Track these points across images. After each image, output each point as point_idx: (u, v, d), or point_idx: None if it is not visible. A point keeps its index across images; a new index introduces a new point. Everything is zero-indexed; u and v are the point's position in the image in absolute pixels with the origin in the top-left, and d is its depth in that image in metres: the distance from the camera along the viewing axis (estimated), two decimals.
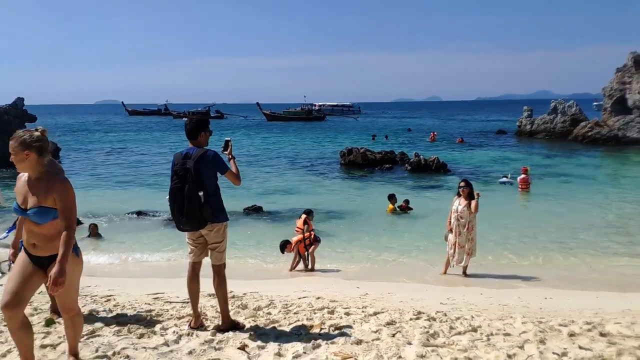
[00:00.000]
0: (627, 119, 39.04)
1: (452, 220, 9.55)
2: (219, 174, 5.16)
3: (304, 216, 13.13)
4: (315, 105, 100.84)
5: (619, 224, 13.89)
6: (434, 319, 5.77)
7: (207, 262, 5.36)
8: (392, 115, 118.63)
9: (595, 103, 45.51)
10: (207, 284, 5.51)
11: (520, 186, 19.70)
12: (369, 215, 15.57)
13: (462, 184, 9.62)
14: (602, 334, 5.20)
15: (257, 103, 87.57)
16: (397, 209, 15.66)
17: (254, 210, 15.86)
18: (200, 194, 4.87)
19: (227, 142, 5.48)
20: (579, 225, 13.74)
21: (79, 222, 14.26)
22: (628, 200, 17.53)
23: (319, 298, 6.99)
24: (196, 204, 4.88)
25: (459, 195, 9.60)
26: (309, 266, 10.19)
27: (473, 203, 9.34)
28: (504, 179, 21.56)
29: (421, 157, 25.68)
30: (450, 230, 9.60)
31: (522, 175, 19.89)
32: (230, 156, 5.41)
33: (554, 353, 4.61)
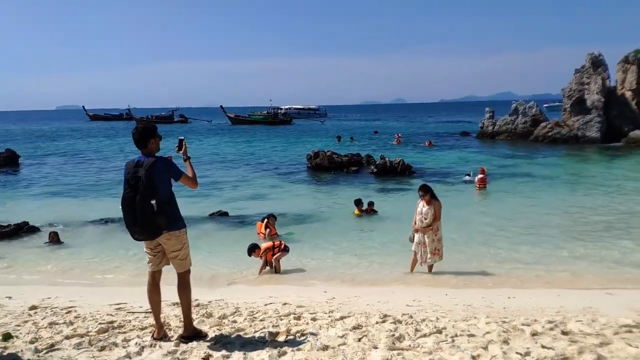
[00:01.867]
0: (587, 119, 40.16)
1: (417, 222, 9.68)
2: (173, 181, 5.07)
3: (265, 220, 13.14)
4: (281, 109, 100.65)
5: (579, 222, 14.25)
6: (400, 322, 5.80)
7: (171, 268, 5.27)
8: (358, 117, 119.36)
9: (545, 105, 46.86)
10: (171, 292, 5.42)
11: (477, 185, 20.40)
12: (336, 218, 15.60)
13: (421, 192, 9.72)
14: (564, 333, 5.30)
15: (221, 106, 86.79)
16: (363, 212, 15.73)
17: (220, 216, 15.69)
18: (153, 202, 4.77)
19: (180, 141, 5.37)
20: (539, 224, 14.04)
21: (37, 230, 13.91)
22: (587, 198, 18.00)
23: (285, 304, 6.95)
24: (149, 213, 4.78)
25: (421, 197, 9.72)
26: (275, 270, 10.18)
27: (435, 203, 9.49)
28: (467, 178, 22.26)
29: (387, 159, 25.86)
30: (416, 231, 9.71)
31: (480, 175, 20.63)
32: (185, 157, 5.32)
33: (517, 353, 4.68)
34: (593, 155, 32.37)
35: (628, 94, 40.54)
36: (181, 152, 5.33)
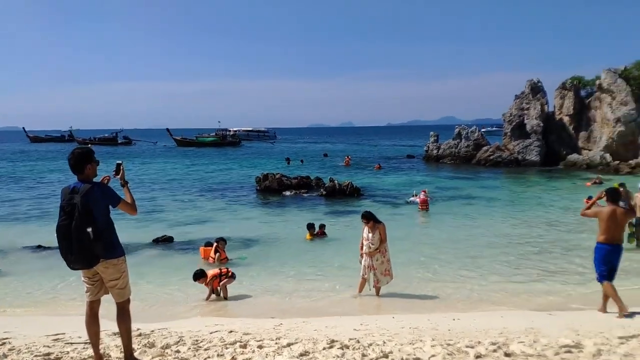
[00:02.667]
0: (526, 143, 41.78)
1: (365, 247, 9.73)
2: (111, 207, 4.92)
3: (214, 244, 12.88)
4: (229, 131, 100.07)
5: (517, 243, 14.68)
6: (347, 347, 5.77)
7: (111, 297, 5.08)
8: (308, 140, 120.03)
9: (482, 130, 48.82)
10: (111, 322, 5.21)
11: (420, 206, 21.01)
12: (285, 242, 15.50)
13: (363, 220, 9.83)
14: (506, 354, 5.40)
15: (167, 129, 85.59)
16: (315, 236, 15.72)
17: (165, 241, 15.27)
18: (89, 230, 4.60)
19: (118, 165, 5.22)
20: (479, 245, 14.41)
21: None
22: (525, 219, 18.62)
23: (231, 332, 6.80)
24: (85, 241, 4.60)
25: (365, 222, 9.81)
26: (222, 296, 9.96)
27: (379, 226, 9.58)
28: (412, 198, 22.93)
29: (336, 182, 26.07)
30: (361, 256, 9.78)
31: (422, 196, 21.38)
32: (122, 181, 5.17)
33: None
34: (533, 178, 33.64)
35: (566, 119, 42.51)
36: (118, 176, 5.18)
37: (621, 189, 15.02)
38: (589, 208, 8.42)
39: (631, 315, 7.57)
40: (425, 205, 21.00)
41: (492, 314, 8.23)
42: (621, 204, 14.21)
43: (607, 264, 7.86)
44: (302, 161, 48.22)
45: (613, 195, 8.13)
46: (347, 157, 48.53)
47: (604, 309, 7.96)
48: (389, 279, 9.81)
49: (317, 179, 28.70)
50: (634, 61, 40.21)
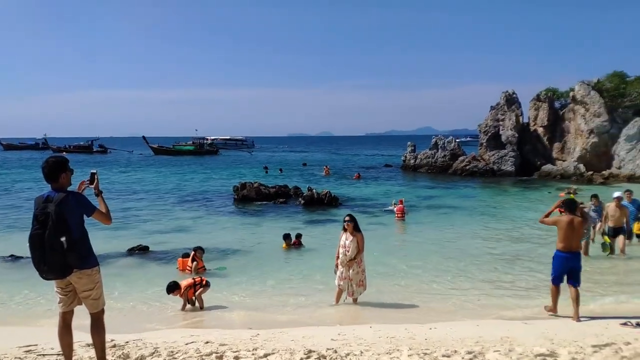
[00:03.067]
0: (502, 154, 42.39)
1: (340, 255, 9.69)
2: (85, 216, 4.86)
3: (192, 253, 12.74)
4: (207, 139, 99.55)
5: (492, 252, 14.83)
6: (324, 357, 5.75)
7: (84, 308, 4.99)
8: (286, 149, 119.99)
9: (457, 140, 49.62)
10: (85, 333, 5.12)
11: (397, 215, 21.26)
12: (262, 252, 15.41)
13: (347, 218, 9.84)
14: None
15: (143, 137, 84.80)
16: (291, 246, 15.68)
17: (140, 251, 15.05)
18: (63, 239, 4.54)
19: (92, 174, 5.17)
20: (455, 254, 14.51)
21: None
22: (500, 228, 18.85)
23: (207, 342, 6.72)
24: (58, 251, 4.54)
25: (344, 229, 9.78)
26: (198, 306, 9.84)
27: (357, 235, 9.58)
28: (391, 207, 23.11)
29: (314, 191, 26.08)
30: (337, 266, 9.75)
31: (399, 205, 21.67)
32: (97, 191, 5.11)
33: None
34: (508, 188, 34.09)
35: (540, 130, 43.27)
36: (93, 186, 5.12)
37: (593, 200, 15.35)
38: (547, 216, 8.85)
39: (605, 324, 7.69)
40: (401, 213, 21.26)
41: (468, 322, 8.28)
42: (592, 214, 14.51)
43: (563, 269, 8.44)
44: (281, 170, 48.19)
45: (570, 206, 8.68)
46: (326, 166, 48.64)
47: (576, 317, 8.24)
48: (362, 290, 9.78)
49: (295, 188, 28.70)
50: (607, 74, 41.27)
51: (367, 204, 26.32)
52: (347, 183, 37.61)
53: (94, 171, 5.20)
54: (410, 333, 7.24)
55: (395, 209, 21.85)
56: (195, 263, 12.49)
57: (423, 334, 7.12)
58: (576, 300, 8.27)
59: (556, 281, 8.60)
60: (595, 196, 15.45)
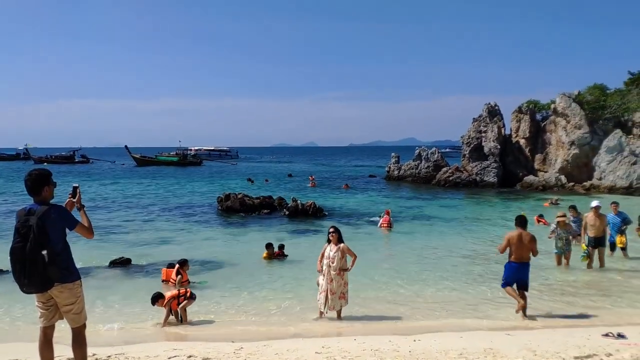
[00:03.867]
0: (484, 165, 42.79)
1: (324, 267, 9.66)
2: (67, 230, 4.81)
3: (177, 266, 12.60)
4: (190, 150, 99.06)
5: (478, 263, 14.93)
6: None
7: (65, 322, 4.91)
8: (271, 160, 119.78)
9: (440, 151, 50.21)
10: (66, 348, 5.04)
11: (382, 225, 21.50)
12: (246, 263, 15.32)
13: (331, 229, 9.84)
14: None
15: (126, 146, 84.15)
16: (273, 255, 15.62)
17: (122, 263, 14.84)
18: (44, 252, 4.49)
19: (75, 188, 5.13)
20: (441, 265, 14.60)
21: None
22: (484, 239, 18.99)
23: (190, 356, 6.65)
24: (40, 264, 4.48)
25: (329, 241, 9.77)
26: (181, 319, 9.73)
27: (342, 246, 9.58)
28: (377, 218, 23.30)
29: (298, 202, 26.05)
30: (320, 273, 9.73)
31: (385, 216, 21.86)
32: (79, 205, 5.07)
33: None
34: (490, 199, 34.37)
35: (522, 142, 43.78)
36: (75, 199, 5.07)
37: (572, 211, 15.50)
38: (502, 251, 9.80)
39: (587, 335, 7.76)
40: (387, 224, 21.40)
41: (452, 334, 8.29)
42: (573, 225, 14.63)
43: (514, 278, 9.54)
44: (266, 181, 48.05)
45: (521, 222, 9.75)
46: (311, 177, 48.66)
47: (521, 310, 9.43)
48: (344, 303, 9.72)
49: (279, 199, 28.65)
50: (588, 86, 41.99)
51: (352, 214, 26.36)
52: (332, 194, 37.64)
53: (76, 185, 5.16)
54: (395, 345, 7.23)
55: (381, 219, 22.00)
56: (180, 276, 12.37)
57: (407, 346, 7.12)
58: (523, 297, 9.48)
59: (507, 284, 9.69)
60: (573, 207, 15.60)
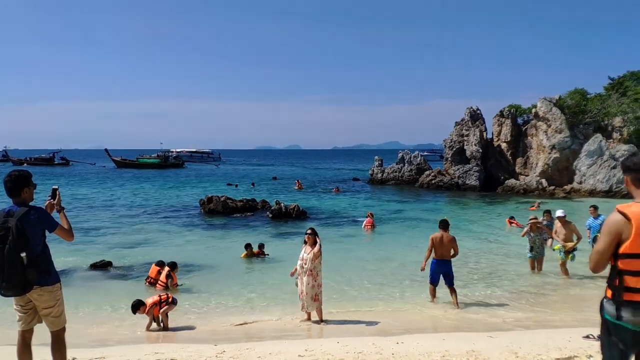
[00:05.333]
0: (466, 168, 43.10)
1: (298, 268, 9.63)
2: (47, 232, 4.73)
3: (166, 269, 12.40)
4: (172, 152, 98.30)
5: (458, 265, 14.91)
6: None
7: (44, 325, 4.83)
8: (255, 162, 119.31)
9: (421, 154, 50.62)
10: (45, 352, 4.95)
11: (366, 226, 21.98)
12: (228, 265, 15.24)
13: (309, 231, 9.81)
14: None
15: (106, 149, 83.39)
16: (252, 255, 15.62)
17: (103, 266, 14.65)
18: (23, 255, 4.41)
19: (54, 190, 5.05)
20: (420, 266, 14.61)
21: None
22: (465, 242, 19.01)
23: None
24: (18, 266, 4.40)
25: (305, 242, 9.75)
26: (163, 326, 9.58)
27: (315, 248, 9.52)
28: (360, 219, 23.99)
29: (282, 204, 26.02)
30: (293, 275, 9.69)
31: (368, 219, 22.33)
32: (58, 207, 4.99)
33: None
34: (472, 202, 34.65)
35: (503, 146, 44.20)
36: (55, 201, 4.99)
37: (546, 215, 15.51)
38: (429, 251, 10.91)
39: (568, 337, 7.82)
40: (370, 226, 21.81)
41: (434, 336, 8.32)
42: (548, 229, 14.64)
43: (437, 273, 10.77)
44: (253, 185, 47.82)
45: (443, 225, 10.99)
46: (298, 180, 48.66)
47: (456, 304, 10.64)
48: (317, 305, 9.61)
49: (263, 202, 28.60)
50: (568, 90, 42.57)
51: (335, 217, 26.40)
52: (318, 196, 37.67)
53: (56, 187, 5.08)
54: (377, 348, 7.22)
55: (364, 222, 22.38)
56: (170, 280, 12.24)
57: (390, 348, 7.11)
58: (453, 293, 10.70)
59: (432, 282, 10.94)
60: (547, 212, 15.66)
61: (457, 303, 10.64)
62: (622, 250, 3.32)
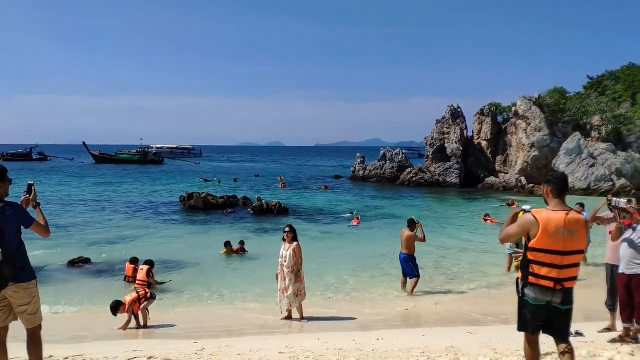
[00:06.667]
0: (447, 166, 43.43)
1: (278, 266, 9.58)
2: (23, 228, 4.63)
3: (145, 267, 12.19)
4: (152, 148, 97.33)
5: (438, 259, 15.12)
6: None
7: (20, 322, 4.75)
8: (237, 159, 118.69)
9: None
10: (21, 349, 4.87)
11: (353, 223, 22.49)
12: (208, 262, 15.15)
13: (287, 229, 9.76)
14: None
15: (84, 143, 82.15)
16: (232, 252, 15.60)
17: (81, 263, 14.48)
18: None
19: (30, 186, 4.94)
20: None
21: None
22: (445, 237, 19.26)
23: (151, 358, 6.50)
24: None
25: (284, 240, 9.70)
26: (142, 323, 9.47)
27: (294, 245, 9.49)
28: (349, 214, 24.60)
29: (264, 201, 25.98)
30: (277, 276, 9.63)
31: (355, 220, 22.95)
32: (34, 203, 4.89)
33: None
34: (452, 199, 34.95)
35: (484, 144, 44.62)
36: (30, 197, 4.88)
37: (521, 212, 15.71)
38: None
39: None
40: (356, 222, 22.43)
41: (414, 332, 8.36)
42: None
43: (405, 264, 11.67)
44: (235, 181, 47.57)
45: (408, 223, 12.02)
46: (280, 178, 48.58)
47: (404, 286, 11.75)
48: (301, 300, 9.59)
49: (244, 199, 28.47)
50: (548, 89, 43.12)
51: (316, 213, 26.43)
52: (301, 194, 37.65)
53: (31, 182, 4.97)
54: (358, 344, 7.23)
55: (353, 220, 22.99)
56: (151, 278, 12.09)
57: (370, 344, 7.13)
58: (412, 285, 11.54)
59: (404, 274, 11.81)
60: (524, 212, 15.87)
61: (412, 292, 11.49)
62: (531, 244, 4.27)
